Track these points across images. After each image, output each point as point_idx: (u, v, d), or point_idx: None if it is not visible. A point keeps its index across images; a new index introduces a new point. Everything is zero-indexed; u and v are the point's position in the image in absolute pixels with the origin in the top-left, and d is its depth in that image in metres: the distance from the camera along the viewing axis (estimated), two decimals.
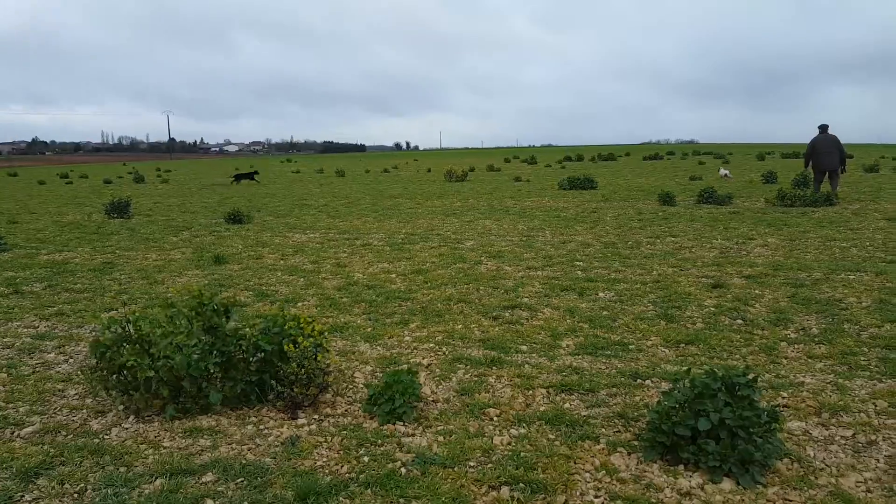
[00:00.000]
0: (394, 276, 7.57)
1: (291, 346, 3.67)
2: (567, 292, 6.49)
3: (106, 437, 3.52)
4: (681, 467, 3.02)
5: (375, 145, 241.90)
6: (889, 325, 5.00)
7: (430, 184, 24.16)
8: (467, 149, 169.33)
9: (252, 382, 3.87)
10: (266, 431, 3.54)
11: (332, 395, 4.00)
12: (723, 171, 23.55)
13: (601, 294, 6.37)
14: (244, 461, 3.20)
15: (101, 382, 3.81)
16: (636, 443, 3.27)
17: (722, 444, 2.93)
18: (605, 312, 5.69)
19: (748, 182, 20.76)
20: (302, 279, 7.54)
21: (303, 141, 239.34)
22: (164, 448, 3.37)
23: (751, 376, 3.02)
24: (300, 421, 3.66)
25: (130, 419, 3.73)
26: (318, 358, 3.79)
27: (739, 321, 5.30)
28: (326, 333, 3.88)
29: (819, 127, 14.41)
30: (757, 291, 6.24)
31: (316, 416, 3.72)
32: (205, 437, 3.49)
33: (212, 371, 3.80)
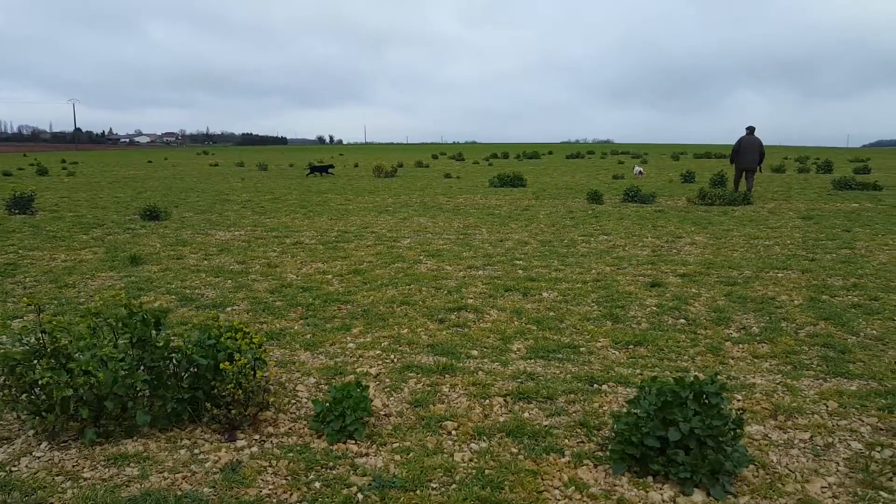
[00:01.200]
0: (330, 276, 7.24)
1: (227, 363, 3.33)
2: (511, 292, 6.38)
3: (14, 468, 3.08)
4: (650, 479, 2.93)
5: (298, 138, 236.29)
6: (823, 322, 5.18)
7: (359, 179, 23.70)
8: (392, 144, 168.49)
9: (184, 400, 3.51)
10: (202, 456, 3.20)
11: (273, 411, 3.68)
12: (637, 169, 24.51)
13: (545, 294, 6.31)
14: (179, 492, 2.86)
15: (9, 403, 3.35)
16: (601, 454, 3.16)
17: (692, 455, 2.86)
18: (551, 313, 5.61)
19: (668, 181, 21.53)
20: (230, 281, 7.09)
21: (220, 132, 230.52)
22: (85, 480, 2.98)
23: (718, 383, 2.96)
24: (240, 443, 3.33)
25: (43, 446, 3.29)
26: (258, 375, 3.47)
27: (682, 321, 5.34)
28: (265, 345, 3.56)
29: (746, 128, 15.64)
30: (694, 290, 6.35)
31: (257, 437, 3.41)
32: (132, 464, 3.11)
33: (139, 389, 3.41)
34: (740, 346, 4.72)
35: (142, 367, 3.40)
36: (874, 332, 4.95)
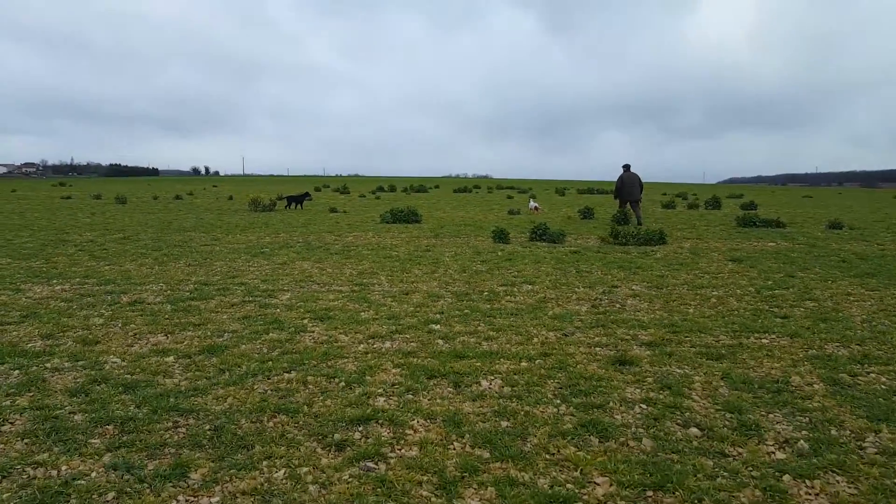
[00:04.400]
0: (170, 359, 5.00)
1: None
2: (436, 381, 4.51)
3: None
4: None
5: (171, 169, 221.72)
6: (886, 428, 3.72)
7: (232, 214, 20.93)
8: (273, 176, 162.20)
9: None
10: None
11: None
12: (532, 204, 23.74)
13: (484, 383, 4.49)
14: None
15: None
16: None
17: None
18: (504, 423, 3.79)
19: (566, 218, 20.71)
20: (16, 372, 4.68)
21: (85, 163, 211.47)
22: None
23: None
24: None
25: None
26: None
27: (694, 429, 3.71)
28: None
29: (623, 166, 17.64)
30: (677, 370, 4.80)
31: None
32: None
33: None
34: (805, 482, 3.11)
35: None
36: None
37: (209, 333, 5.79)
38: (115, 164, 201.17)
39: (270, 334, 5.78)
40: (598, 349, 5.36)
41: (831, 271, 9.49)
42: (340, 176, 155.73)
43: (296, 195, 23.97)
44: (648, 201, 31.73)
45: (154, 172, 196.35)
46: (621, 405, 4.08)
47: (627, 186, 17.36)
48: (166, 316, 6.47)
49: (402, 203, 27.83)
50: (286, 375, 4.62)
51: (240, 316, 6.47)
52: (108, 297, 7.36)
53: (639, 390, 4.35)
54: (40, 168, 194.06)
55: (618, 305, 7.17)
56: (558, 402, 4.14)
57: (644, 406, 4.06)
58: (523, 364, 4.92)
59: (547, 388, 4.39)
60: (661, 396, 4.22)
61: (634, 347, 5.42)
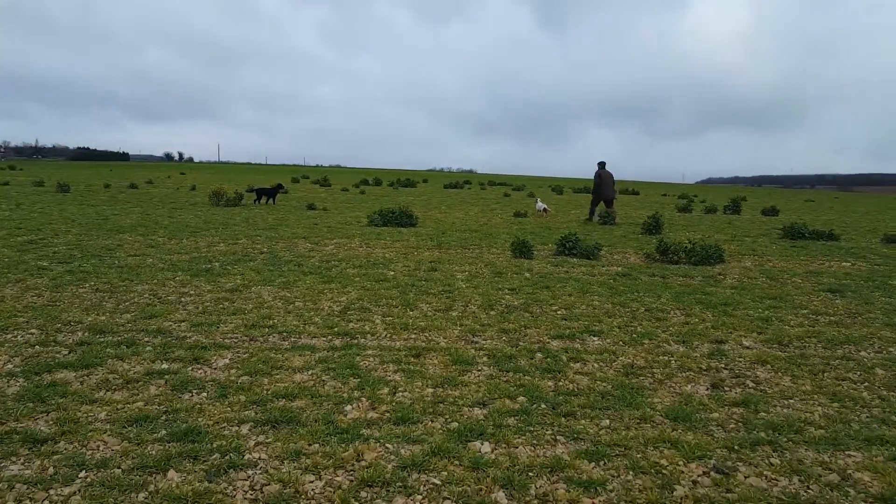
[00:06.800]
0: None
1: None
2: None
3: None
4: None
5: (142, 154, 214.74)
6: None
7: (188, 209, 17.86)
8: (250, 164, 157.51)
9: None
10: None
11: None
12: (540, 205, 20.73)
13: None
14: None
15: None
16: None
17: None
18: None
19: (584, 221, 18.02)
20: None
21: (51, 146, 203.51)
22: None
23: None
24: None
25: None
26: None
27: None
28: None
29: (599, 163, 17.50)
30: None
31: None
32: None
33: None
34: None
35: None
36: None
37: (58, 468, 2.98)
38: (84, 148, 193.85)
39: (169, 477, 2.98)
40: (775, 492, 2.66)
41: None
42: (321, 167, 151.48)
43: (267, 188, 20.91)
44: (658, 204, 29.26)
45: (124, 157, 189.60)
46: None
47: (606, 185, 17.31)
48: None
49: (390, 199, 24.99)
50: None
51: (129, 416, 3.65)
52: None
53: None
54: (2, 150, 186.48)
55: (750, 385, 4.49)
56: None
57: None
58: None
59: None
60: None
61: None
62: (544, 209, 19.92)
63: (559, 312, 6.54)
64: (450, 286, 7.69)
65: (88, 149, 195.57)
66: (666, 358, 5.07)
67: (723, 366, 4.92)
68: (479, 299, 7.03)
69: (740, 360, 5.09)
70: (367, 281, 7.87)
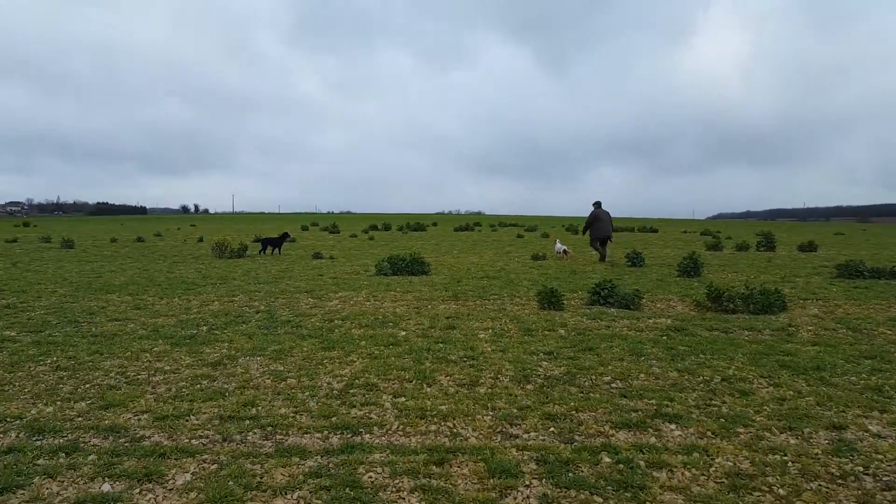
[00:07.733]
0: None
1: None
2: None
3: None
4: None
5: (159, 207, 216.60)
6: None
7: (190, 262, 16.81)
8: (263, 213, 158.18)
9: None
10: None
11: None
12: (560, 247, 19.41)
13: None
14: None
15: None
16: None
17: None
18: None
19: (609, 265, 16.74)
20: None
21: (72, 201, 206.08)
22: None
23: None
24: None
25: None
26: None
27: None
28: None
29: (594, 203, 17.15)
30: None
31: None
32: None
33: None
34: None
35: None
36: None
37: None
38: (103, 203, 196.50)
39: None
40: None
41: None
42: (332, 213, 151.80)
43: (273, 238, 19.85)
44: (682, 241, 27.94)
45: (142, 211, 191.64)
46: None
47: (603, 223, 16.88)
48: None
49: (400, 245, 23.90)
50: None
51: None
52: None
53: None
54: (25, 207, 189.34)
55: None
56: None
57: None
58: None
59: None
60: None
61: None
62: (564, 251, 18.67)
63: (614, 386, 5.25)
64: (472, 349, 6.43)
65: (107, 204, 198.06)
66: (778, 457, 3.76)
67: (860, 468, 3.61)
68: (510, 368, 5.76)
69: (878, 456, 3.77)
70: (374, 345, 6.64)
